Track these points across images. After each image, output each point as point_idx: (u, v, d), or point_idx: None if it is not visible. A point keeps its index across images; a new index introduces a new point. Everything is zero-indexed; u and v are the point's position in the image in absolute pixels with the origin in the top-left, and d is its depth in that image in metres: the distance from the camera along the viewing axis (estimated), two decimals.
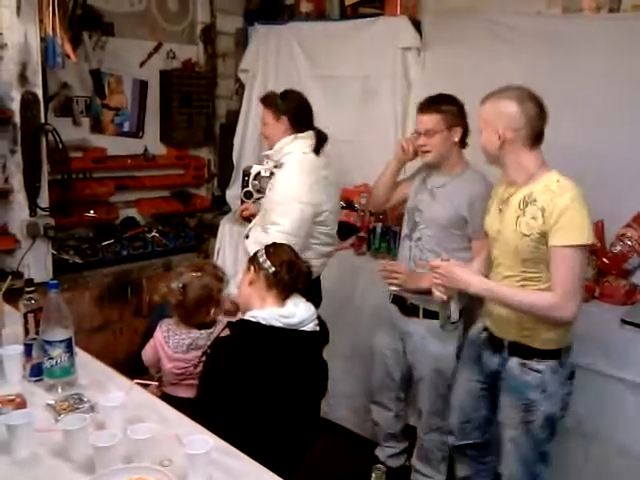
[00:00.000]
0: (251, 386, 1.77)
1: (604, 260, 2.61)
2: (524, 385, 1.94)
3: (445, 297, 2.05)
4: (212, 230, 3.65)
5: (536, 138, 1.87)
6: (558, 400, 1.94)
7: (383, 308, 2.65)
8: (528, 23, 2.92)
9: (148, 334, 2.51)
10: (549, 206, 1.79)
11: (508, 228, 1.91)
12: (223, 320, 2.06)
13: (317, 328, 1.90)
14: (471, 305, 2.35)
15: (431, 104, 2.35)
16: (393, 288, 2.45)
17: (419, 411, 2.57)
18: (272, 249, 1.94)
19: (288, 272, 1.86)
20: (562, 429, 2.24)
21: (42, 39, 2.87)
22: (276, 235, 2.30)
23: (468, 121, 2.37)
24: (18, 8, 2.78)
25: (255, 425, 1.76)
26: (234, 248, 3.40)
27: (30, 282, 1.97)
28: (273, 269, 1.86)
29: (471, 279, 1.95)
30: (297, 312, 1.85)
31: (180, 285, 2.01)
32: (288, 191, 2.40)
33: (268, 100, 2.60)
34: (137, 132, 3.71)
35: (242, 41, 4.08)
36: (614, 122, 2.63)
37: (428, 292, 2.28)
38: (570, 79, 2.71)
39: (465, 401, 2.20)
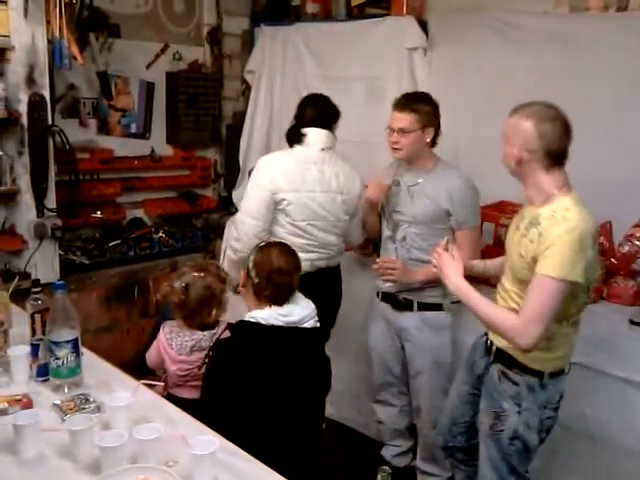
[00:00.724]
0: (254, 386, 1.77)
1: (612, 260, 2.59)
2: (499, 393, 1.92)
3: None
4: (219, 230, 3.66)
5: (555, 159, 1.78)
6: (533, 421, 1.89)
7: (371, 306, 2.68)
8: (535, 22, 2.91)
9: (155, 334, 2.52)
10: (546, 232, 1.73)
11: (513, 246, 1.89)
12: (225, 321, 2.07)
13: (317, 325, 1.89)
14: None
15: (407, 103, 2.36)
16: (388, 284, 2.47)
17: (418, 408, 2.57)
18: (261, 254, 1.90)
19: (271, 285, 1.83)
20: (569, 430, 2.23)
21: (49, 41, 2.89)
22: (239, 216, 2.54)
23: (441, 121, 2.42)
24: (25, 10, 2.80)
25: (259, 425, 1.76)
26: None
27: (37, 283, 1.99)
28: (257, 280, 1.85)
29: (451, 277, 1.93)
30: (296, 310, 1.85)
31: (183, 285, 2.01)
32: (253, 177, 2.54)
33: None
34: (144, 133, 3.73)
35: (248, 42, 4.08)
36: (622, 122, 2.61)
37: (421, 287, 2.39)
38: (577, 78, 2.70)
39: (454, 403, 2.20)
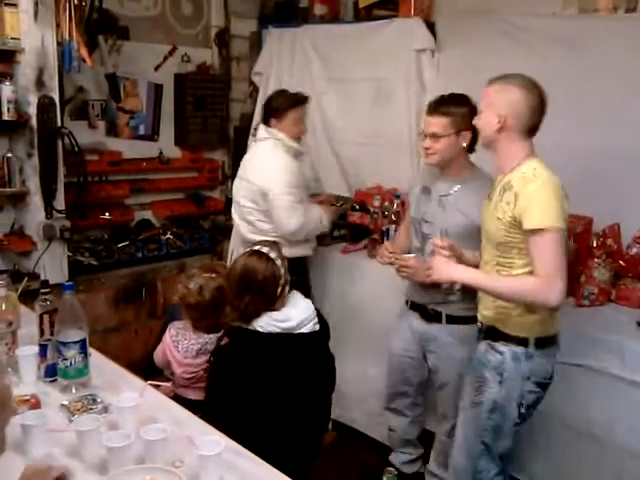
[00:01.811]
0: (253, 392, 1.76)
1: (621, 263, 2.58)
2: (483, 363, 1.96)
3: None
4: (226, 232, 3.66)
5: (532, 130, 1.89)
6: (514, 393, 1.91)
7: (399, 314, 2.63)
8: (543, 24, 2.90)
9: (160, 337, 2.54)
10: (520, 191, 1.80)
11: (487, 215, 1.95)
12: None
13: (317, 327, 1.86)
14: None
15: (439, 106, 2.27)
16: (404, 275, 2.43)
17: (443, 415, 2.54)
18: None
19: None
20: (574, 432, 2.22)
21: (59, 43, 2.90)
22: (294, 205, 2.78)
23: None
24: (35, 13, 2.81)
25: (261, 427, 1.76)
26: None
27: (45, 283, 2.00)
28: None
29: (453, 273, 1.96)
30: (293, 314, 1.82)
31: (197, 286, 2.01)
32: None
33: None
34: (152, 135, 3.74)
35: (256, 44, 4.09)
36: (630, 123, 2.60)
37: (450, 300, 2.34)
38: (585, 80, 2.69)
39: None
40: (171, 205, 3.81)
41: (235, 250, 3.03)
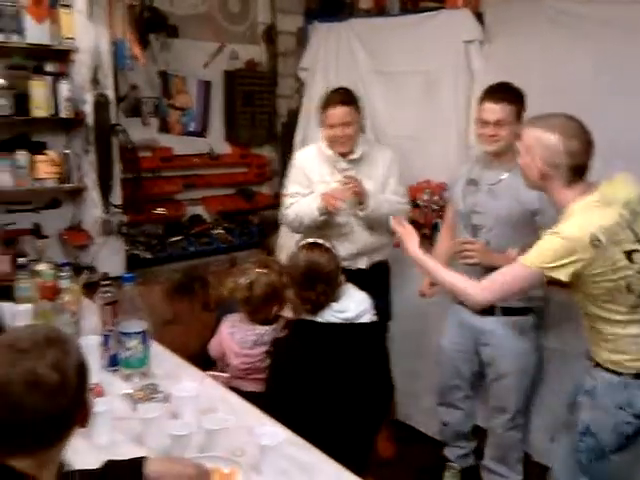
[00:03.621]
0: (315, 384, 1.79)
1: None
2: (579, 386, 1.93)
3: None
4: (274, 227, 3.70)
5: (578, 173, 1.78)
6: (607, 421, 1.82)
7: (449, 308, 2.61)
8: (596, 10, 2.81)
9: (216, 328, 2.58)
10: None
11: None
12: (285, 317, 2.09)
13: (375, 318, 1.90)
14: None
15: (504, 93, 2.29)
16: (470, 261, 2.36)
17: (500, 409, 2.51)
18: None
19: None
20: None
21: (112, 42, 2.98)
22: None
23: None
24: (89, 13, 2.89)
25: (319, 419, 1.77)
26: (295, 244, 3.44)
27: (107, 276, 2.07)
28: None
29: (410, 248, 2.02)
30: (351, 305, 1.86)
31: (247, 281, 2.05)
32: None
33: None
34: (202, 131, 3.80)
35: (302, 40, 4.10)
36: None
37: None
38: None
39: None
40: (222, 200, 3.86)
41: (286, 244, 3.07)
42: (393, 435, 2.87)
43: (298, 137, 3.97)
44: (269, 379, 1.89)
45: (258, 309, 2.06)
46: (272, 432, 1.54)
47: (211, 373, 2.02)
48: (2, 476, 0.98)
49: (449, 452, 2.71)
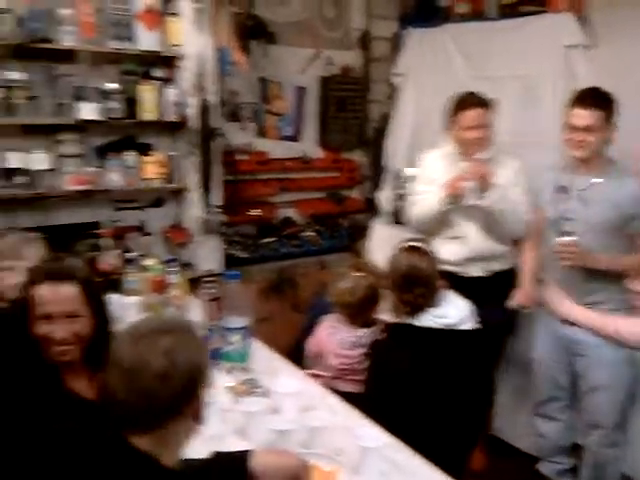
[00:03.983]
0: (414, 388, 1.78)
1: None
2: None
3: None
4: (364, 231, 3.72)
5: None
6: None
7: (537, 318, 2.55)
8: None
9: (307, 329, 2.62)
10: None
11: None
12: (383, 320, 2.10)
13: (478, 326, 1.88)
14: None
15: (594, 99, 2.25)
16: (569, 263, 2.31)
17: (593, 424, 2.42)
18: None
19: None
20: None
21: (216, 49, 3.10)
22: None
23: None
24: (196, 21, 3.02)
25: (418, 424, 1.76)
26: (385, 249, 3.44)
27: (211, 273, 2.15)
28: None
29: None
30: (452, 312, 1.85)
31: (349, 285, 2.07)
32: None
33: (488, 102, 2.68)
34: (296, 136, 3.88)
35: (397, 45, 4.10)
36: None
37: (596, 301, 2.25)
38: None
39: None
40: (313, 203, 3.93)
41: (377, 248, 3.08)
42: (485, 447, 2.81)
43: (389, 142, 3.98)
44: (368, 381, 1.90)
45: (358, 312, 2.08)
46: (372, 434, 1.55)
47: (311, 372, 2.06)
48: (129, 455, 1.05)
49: (544, 467, 2.63)
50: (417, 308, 1.85)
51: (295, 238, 3.71)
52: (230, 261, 3.31)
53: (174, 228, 3.22)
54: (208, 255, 3.16)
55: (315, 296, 2.98)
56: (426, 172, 2.78)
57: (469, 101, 2.64)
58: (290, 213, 3.87)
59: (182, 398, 1.07)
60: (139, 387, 1.03)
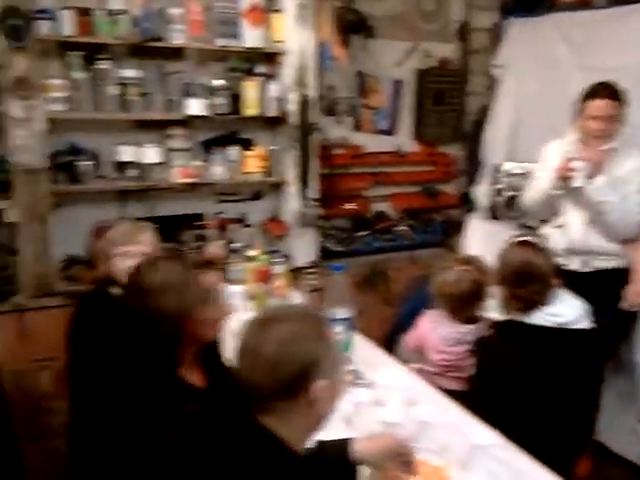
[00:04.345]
0: (523, 387, 1.74)
1: None
2: None
3: None
4: (458, 227, 3.66)
5: None
6: None
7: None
8: None
9: (399, 324, 2.62)
10: None
11: None
12: (489, 317, 2.06)
13: (594, 326, 1.81)
14: None
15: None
16: None
17: None
18: None
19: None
20: None
21: (317, 44, 3.14)
22: None
23: None
24: (298, 16, 3.07)
25: (527, 426, 1.72)
26: (481, 245, 3.37)
27: (314, 264, 2.19)
28: None
29: None
30: (566, 310, 1.79)
31: (454, 278, 2.04)
32: None
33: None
34: (391, 130, 3.87)
35: (497, 36, 4.00)
36: None
37: None
38: None
39: None
40: (407, 198, 3.91)
41: (473, 245, 3.02)
42: (591, 454, 2.70)
43: (487, 135, 3.89)
44: (474, 379, 1.88)
45: (462, 307, 2.05)
46: (482, 432, 1.53)
47: (414, 366, 2.06)
48: (256, 430, 1.09)
49: None
50: (531, 305, 1.80)
51: (388, 232, 3.70)
52: (326, 254, 3.36)
53: (272, 221, 3.30)
54: (304, 248, 3.22)
55: (410, 289, 2.96)
56: (546, 160, 2.73)
57: (599, 91, 2.58)
58: (384, 207, 3.86)
59: (292, 386, 1.09)
60: (256, 369, 1.08)
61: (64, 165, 2.74)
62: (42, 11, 2.58)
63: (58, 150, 2.77)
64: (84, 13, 2.69)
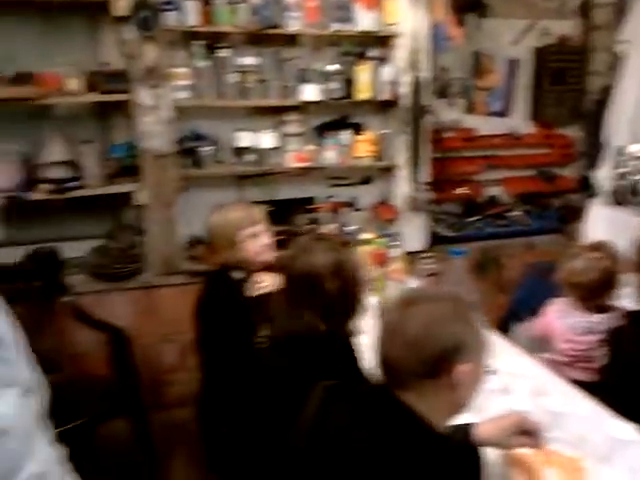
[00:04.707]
0: None
1: None
2: None
3: None
4: (577, 212, 3.48)
5: None
6: None
7: None
8: None
9: (514, 311, 2.55)
10: None
11: None
12: (623, 307, 1.96)
13: None
14: None
15: None
16: None
17: None
18: None
19: None
20: None
21: (431, 25, 3.07)
22: None
23: None
24: None
25: None
26: (604, 232, 3.19)
27: (430, 248, 2.17)
28: None
29: None
30: None
31: (583, 266, 1.95)
32: None
33: None
34: (505, 111, 3.74)
35: (622, 10, 3.74)
36: None
37: None
38: None
39: None
40: (522, 182, 3.78)
41: (596, 231, 2.87)
42: None
43: (609, 116, 3.66)
44: (607, 370, 1.79)
45: (591, 296, 1.95)
46: (621, 426, 1.46)
47: (544, 356, 2.00)
48: (396, 405, 1.10)
49: None
50: None
51: (501, 218, 3.59)
52: (435, 239, 3.31)
53: (382, 205, 3.29)
54: (414, 232, 3.20)
55: (525, 275, 2.87)
56: None
57: None
58: (496, 192, 3.75)
59: (434, 366, 1.08)
60: (398, 347, 1.09)
61: (188, 151, 2.87)
62: (168, 2, 2.70)
63: (184, 136, 2.91)
64: (206, 3, 2.79)
